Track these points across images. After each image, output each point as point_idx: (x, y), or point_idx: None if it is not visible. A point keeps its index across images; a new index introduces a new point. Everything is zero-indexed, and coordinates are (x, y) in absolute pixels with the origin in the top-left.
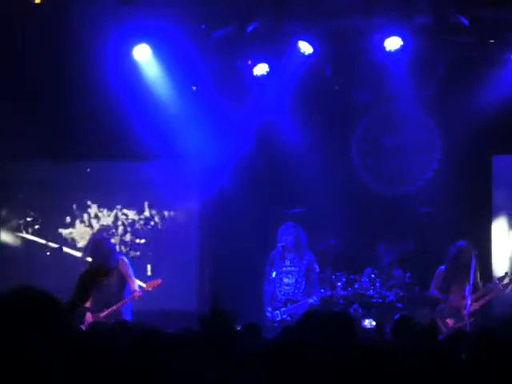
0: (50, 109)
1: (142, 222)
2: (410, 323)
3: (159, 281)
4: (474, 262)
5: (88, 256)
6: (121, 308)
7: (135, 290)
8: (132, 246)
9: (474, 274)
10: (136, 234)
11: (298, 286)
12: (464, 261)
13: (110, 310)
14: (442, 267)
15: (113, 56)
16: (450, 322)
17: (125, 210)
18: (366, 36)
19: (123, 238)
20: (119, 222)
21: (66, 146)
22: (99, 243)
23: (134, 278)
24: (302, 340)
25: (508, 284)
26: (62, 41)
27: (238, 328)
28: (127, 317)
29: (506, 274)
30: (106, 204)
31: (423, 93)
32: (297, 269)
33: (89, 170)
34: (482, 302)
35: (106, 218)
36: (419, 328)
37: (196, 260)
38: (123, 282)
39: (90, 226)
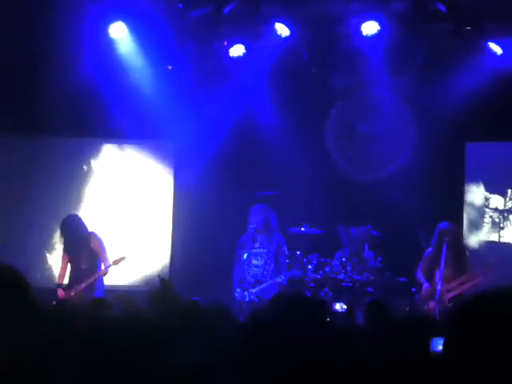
0: (21, 84)
1: (114, 203)
2: (380, 307)
3: (124, 257)
4: (445, 247)
5: (59, 232)
6: (94, 285)
7: (106, 267)
8: (103, 225)
9: (453, 258)
10: (108, 214)
11: (266, 267)
12: (446, 240)
13: (79, 286)
14: (429, 250)
15: (89, 32)
16: (431, 304)
17: (95, 190)
18: (343, 20)
19: (94, 218)
20: (89, 202)
21: (35, 121)
22: (68, 219)
23: (106, 255)
24: (272, 325)
25: (493, 272)
26: (36, 14)
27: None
28: (99, 294)
29: (491, 262)
30: (77, 183)
31: (399, 79)
32: (266, 250)
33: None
34: (464, 287)
35: (74, 197)
36: (395, 317)
37: (168, 241)
38: (95, 258)
39: (55, 204)
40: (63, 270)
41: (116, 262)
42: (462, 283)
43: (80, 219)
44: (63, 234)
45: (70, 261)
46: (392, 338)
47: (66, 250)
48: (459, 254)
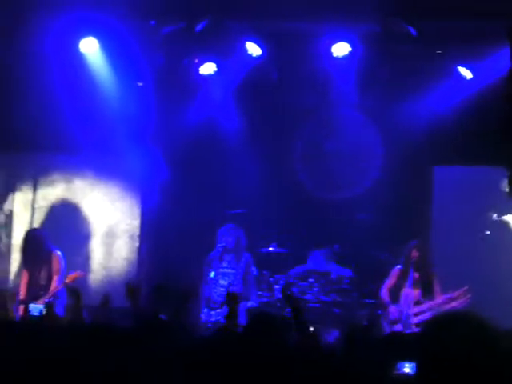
0: None
1: (81, 219)
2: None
3: (80, 273)
4: (412, 266)
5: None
6: (54, 302)
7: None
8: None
9: (420, 279)
10: (73, 231)
11: (234, 288)
12: (414, 261)
13: (38, 303)
14: (397, 267)
15: (57, 46)
16: (397, 327)
17: (63, 208)
18: (313, 40)
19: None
20: (55, 220)
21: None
22: (31, 236)
23: (60, 274)
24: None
25: (464, 298)
26: (2, 25)
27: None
28: (59, 311)
29: (466, 288)
30: (40, 199)
31: (368, 100)
32: (234, 271)
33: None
34: (434, 313)
35: (40, 213)
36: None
37: (134, 258)
38: (53, 275)
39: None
40: (24, 286)
41: (71, 278)
42: (431, 308)
43: (43, 234)
44: (25, 249)
45: (30, 276)
46: (358, 358)
47: (27, 265)
48: (427, 275)
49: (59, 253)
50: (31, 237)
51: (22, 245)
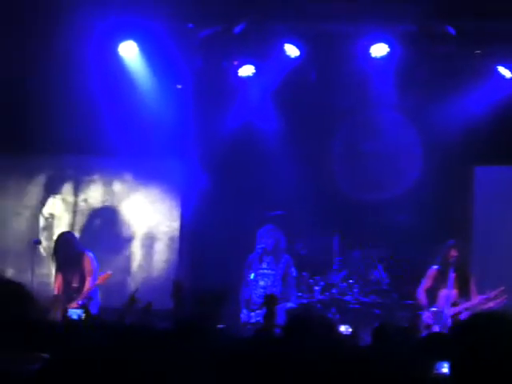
0: (21, 102)
1: (121, 221)
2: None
3: (109, 274)
4: (452, 266)
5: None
6: (88, 303)
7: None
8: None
9: (458, 279)
10: (113, 233)
11: (274, 289)
12: (452, 260)
13: (72, 305)
14: (434, 267)
15: (96, 50)
16: (436, 328)
17: (103, 208)
18: (352, 41)
19: (99, 238)
20: (91, 220)
21: (33, 141)
22: (62, 238)
23: (93, 275)
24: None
25: (500, 298)
26: (42, 28)
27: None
28: (94, 311)
29: (502, 288)
30: (81, 201)
31: (406, 100)
32: (273, 272)
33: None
34: (472, 312)
35: (80, 216)
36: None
37: (174, 260)
38: (85, 277)
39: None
40: (59, 289)
41: (102, 279)
42: (468, 309)
43: (74, 237)
44: (57, 252)
45: (63, 279)
46: (396, 359)
47: (60, 268)
48: (464, 275)
49: (91, 254)
50: (61, 240)
51: (54, 249)
